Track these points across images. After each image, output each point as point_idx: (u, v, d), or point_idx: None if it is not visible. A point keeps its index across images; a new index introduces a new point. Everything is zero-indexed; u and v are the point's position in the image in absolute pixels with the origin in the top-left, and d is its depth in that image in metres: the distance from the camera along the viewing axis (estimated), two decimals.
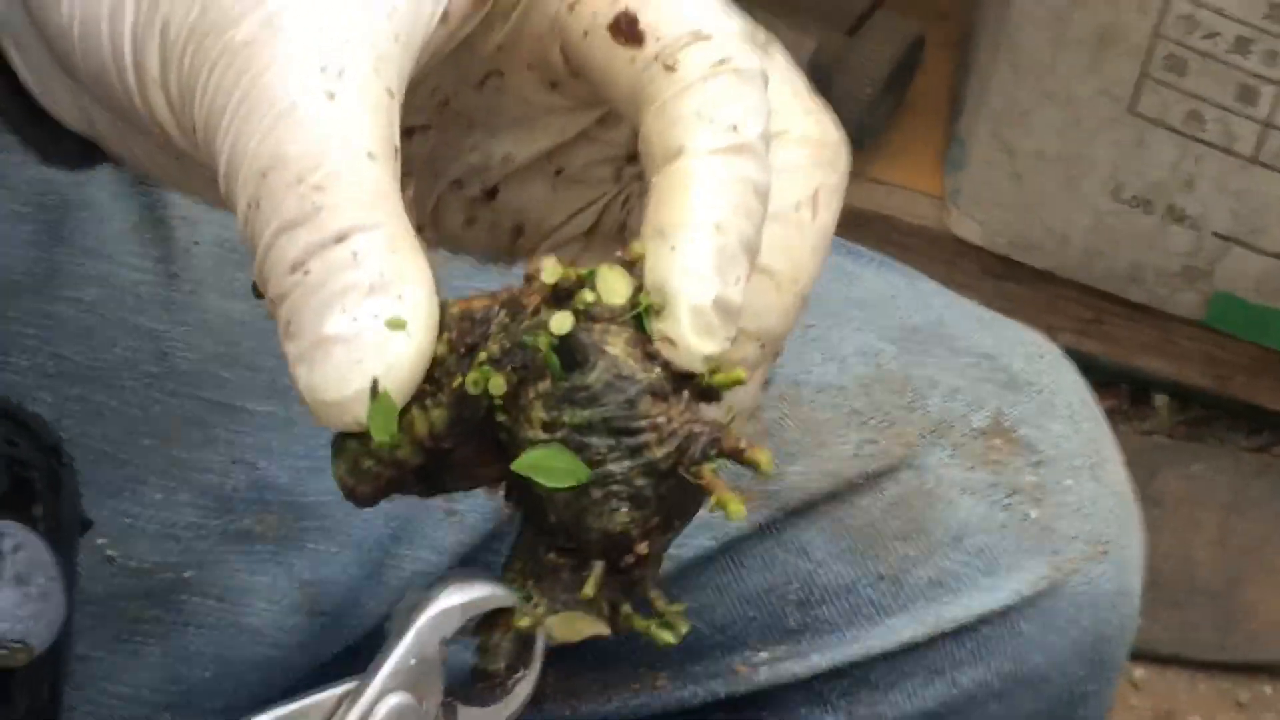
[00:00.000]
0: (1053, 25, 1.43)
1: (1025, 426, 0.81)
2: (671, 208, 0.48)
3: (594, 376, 0.48)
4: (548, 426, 0.48)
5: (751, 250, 0.49)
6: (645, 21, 0.49)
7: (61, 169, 0.57)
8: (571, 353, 0.48)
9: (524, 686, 0.52)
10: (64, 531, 0.60)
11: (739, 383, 0.49)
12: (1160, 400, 1.60)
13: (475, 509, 0.75)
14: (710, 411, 0.50)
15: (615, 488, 0.48)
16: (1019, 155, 1.49)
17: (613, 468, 0.48)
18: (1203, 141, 1.44)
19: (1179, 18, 1.39)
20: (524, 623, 0.51)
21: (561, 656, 0.80)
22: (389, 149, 0.47)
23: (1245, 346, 1.54)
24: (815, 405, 0.78)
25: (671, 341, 0.48)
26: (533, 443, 0.48)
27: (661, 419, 0.48)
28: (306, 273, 0.47)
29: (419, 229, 0.52)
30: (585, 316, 0.48)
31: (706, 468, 0.49)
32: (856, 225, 1.61)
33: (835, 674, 0.80)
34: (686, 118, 0.48)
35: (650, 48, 0.49)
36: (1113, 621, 0.83)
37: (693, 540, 0.78)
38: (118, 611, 0.71)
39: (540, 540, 0.50)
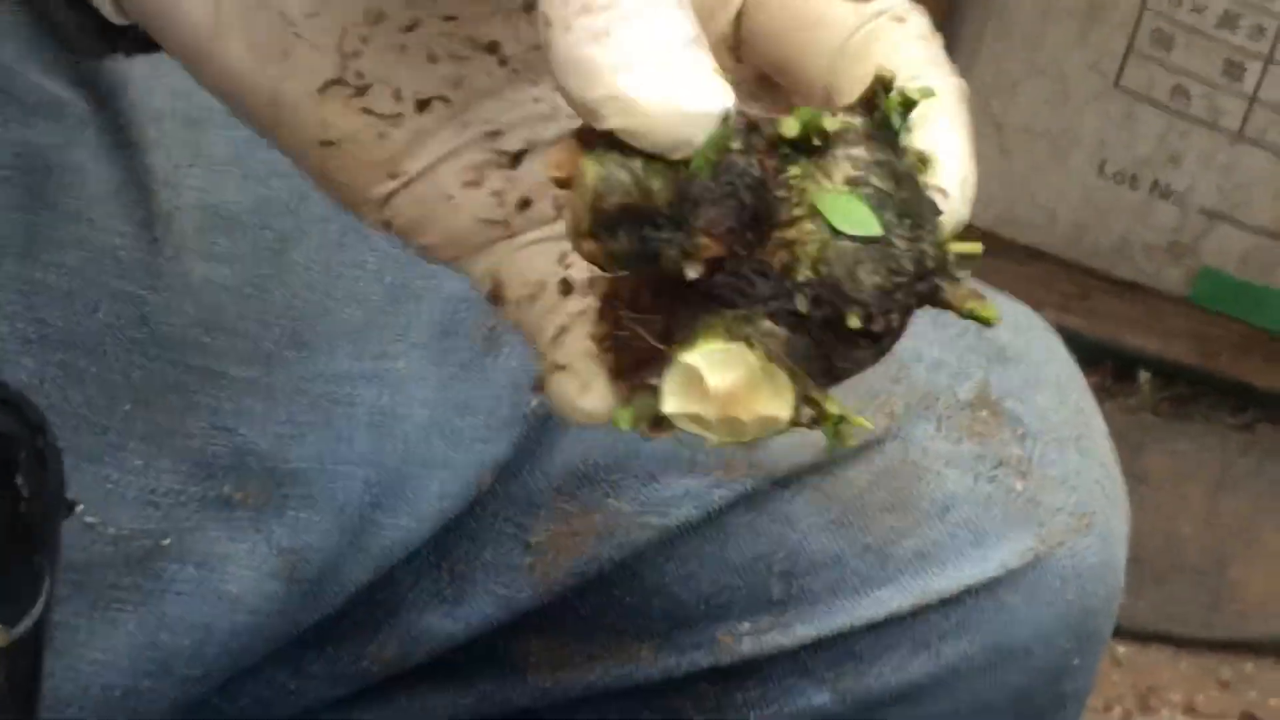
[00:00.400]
0: None
1: (1011, 399, 0.81)
2: (934, 102, 0.50)
3: (903, 163, 0.50)
4: (852, 182, 0.49)
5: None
6: None
7: (87, 56, 0.56)
8: (896, 129, 0.50)
9: None
10: (48, 511, 0.59)
11: (976, 255, 0.50)
12: (1145, 377, 1.60)
13: (453, 476, 0.75)
14: None
15: (897, 256, 0.49)
16: (1006, 130, 1.48)
17: (897, 242, 0.49)
18: (1189, 117, 1.44)
19: None
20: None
21: (544, 627, 0.80)
22: None
23: (1231, 323, 1.54)
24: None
25: (944, 193, 0.50)
26: (830, 192, 0.49)
27: (931, 233, 0.50)
28: None
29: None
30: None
31: (962, 288, 0.50)
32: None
33: (820, 645, 0.79)
34: (926, 58, 0.51)
35: (877, 4, 0.51)
36: (1098, 594, 0.83)
37: (677, 509, 0.77)
38: (96, 579, 0.71)
39: (754, 309, 0.49)
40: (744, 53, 0.54)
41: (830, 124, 0.49)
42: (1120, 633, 1.51)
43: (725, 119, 0.48)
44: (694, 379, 0.49)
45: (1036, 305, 1.55)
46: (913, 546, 0.79)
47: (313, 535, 0.73)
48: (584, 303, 0.53)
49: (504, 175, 0.55)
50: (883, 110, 0.50)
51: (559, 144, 0.50)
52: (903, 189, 0.49)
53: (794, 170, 0.49)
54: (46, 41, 0.69)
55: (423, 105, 0.54)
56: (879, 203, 0.49)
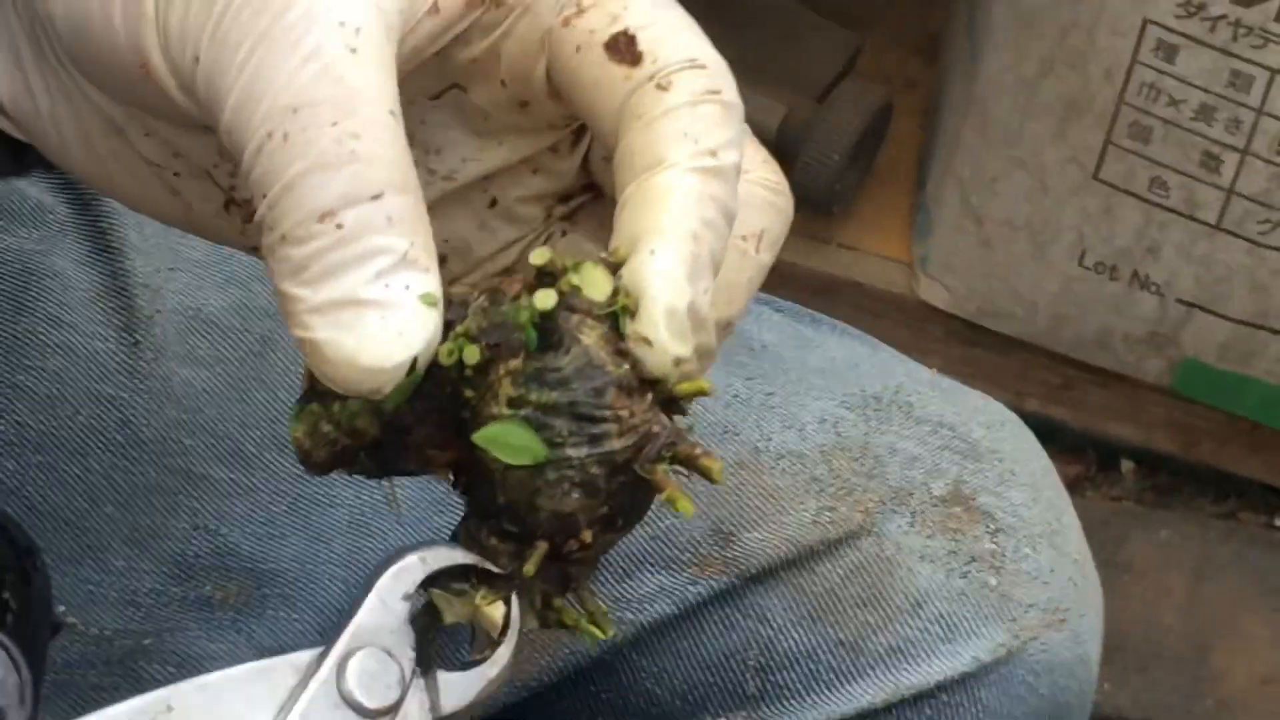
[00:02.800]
0: (1021, 93, 1.44)
1: (985, 495, 0.82)
2: (650, 215, 0.50)
3: (566, 360, 0.49)
4: (514, 403, 0.49)
5: (715, 266, 0.51)
6: (644, 43, 0.51)
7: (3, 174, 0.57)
8: (549, 333, 0.50)
9: (503, 653, 0.53)
10: (34, 635, 0.60)
11: (703, 393, 0.50)
12: (1128, 466, 1.61)
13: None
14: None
15: (570, 472, 0.49)
16: (987, 222, 1.50)
17: (571, 452, 0.49)
18: (1167, 208, 1.45)
19: (1143, 85, 1.41)
20: (449, 619, 0.52)
21: None
22: (398, 114, 0.48)
23: (1212, 412, 1.55)
24: (775, 472, 0.79)
25: (647, 341, 0.50)
26: (496, 418, 0.49)
27: (625, 413, 0.50)
28: (339, 225, 0.47)
29: None
30: (565, 306, 0.50)
31: (660, 466, 0.50)
32: (825, 290, 1.62)
33: None
34: (672, 135, 0.50)
35: (646, 68, 0.51)
36: (1071, 689, 0.84)
37: (652, 606, 0.78)
38: (77, 679, 0.71)
39: (483, 524, 0.51)
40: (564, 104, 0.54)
41: (470, 356, 0.49)
42: None
43: (411, 368, 0.48)
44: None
45: (1018, 396, 1.56)
46: (886, 641, 0.79)
47: (292, 635, 0.74)
48: None
49: None
50: (535, 317, 0.50)
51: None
52: (571, 388, 0.49)
53: (469, 394, 0.50)
54: None
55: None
56: (543, 417, 0.49)
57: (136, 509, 0.71)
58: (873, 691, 0.80)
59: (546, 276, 0.50)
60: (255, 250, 0.54)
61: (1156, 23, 1.38)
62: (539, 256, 0.50)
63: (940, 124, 1.53)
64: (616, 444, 0.50)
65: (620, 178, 0.51)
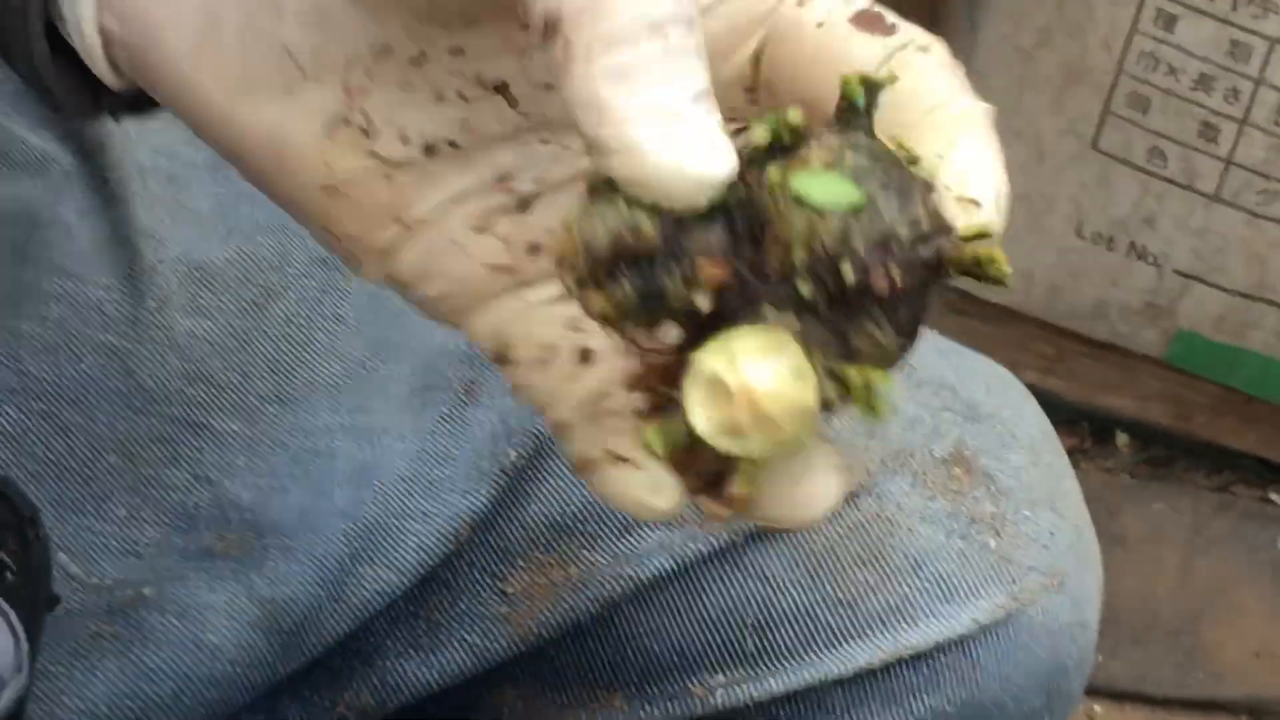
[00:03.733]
0: (1019, 63, 1.43)
1: (985, 457, 0.82)
2: (963, 128, 0.50)
3: (880, 144, 0.49)
4: (828, 165, 0.48)
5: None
6: (889, 18, 0.51)
7: (75, 117, 0.56)
8: (869, 110, 0.49)
9: None
10: (33, 603, 0.59)
11: (996, 261, 0.49)
12: (1122, 439, 1.61)
13: (433, 530, 0.76)
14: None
15: (883, 217, 0.48)
16: None
17: (883, 208, 0.48)
18: (1164, 179, 1.45)
19: (1142, 54, 1.40)
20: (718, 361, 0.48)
21: (519, 677, 0.81)
22: None
23: (1207, 385, 1.55)
24: None
25: (976, 203, 0.49)
26: (803, 178, 0.48)
27: (933, 220, 0.48)
28: (665, 37, 0.47)
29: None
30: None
31: (966, 247, 0.49)
32: None
33: (791, 699, 0.80)
34: (955, 85, 0.51)
35: (903, 35, 0.51)
36: (1070, 653, 0.84)
37: (650, 561, 0.78)
38: (78, 627, 0.71)
39: (765, 298, 0.49)
40: (761, 94, 0.54)
41: (795, 117, 0.49)
42: (1096, 692, 1.51)
43: (728, 184, 0.47)
44: (715, 386, 0.48)
45: (1013, 367, 1.55)
46: (885, 601, 0.79)
47: (292, 586, 0.74)
48: (607, 373, 0.52)
49: (512, 220, 0.54)
50: (848, 97, 0.49)
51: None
52: (881, 164, 0.48)
53: (772, 171, 0.48)
54: (33, 97, 0.69)
55: (429, 149, 0.53)
56: (858, 177, 0.48)
57: (138, 458, 0.71)
58: (871, 651, 0.80)
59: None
60: (328, 191, 0.53)
61: None
62: (847, 77, 0.49)
63: None
64: (923, 214, 0.48)
65: (902, 116, 0.50)
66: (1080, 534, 0.85)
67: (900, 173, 0.49)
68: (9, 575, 0.58)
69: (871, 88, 0.49)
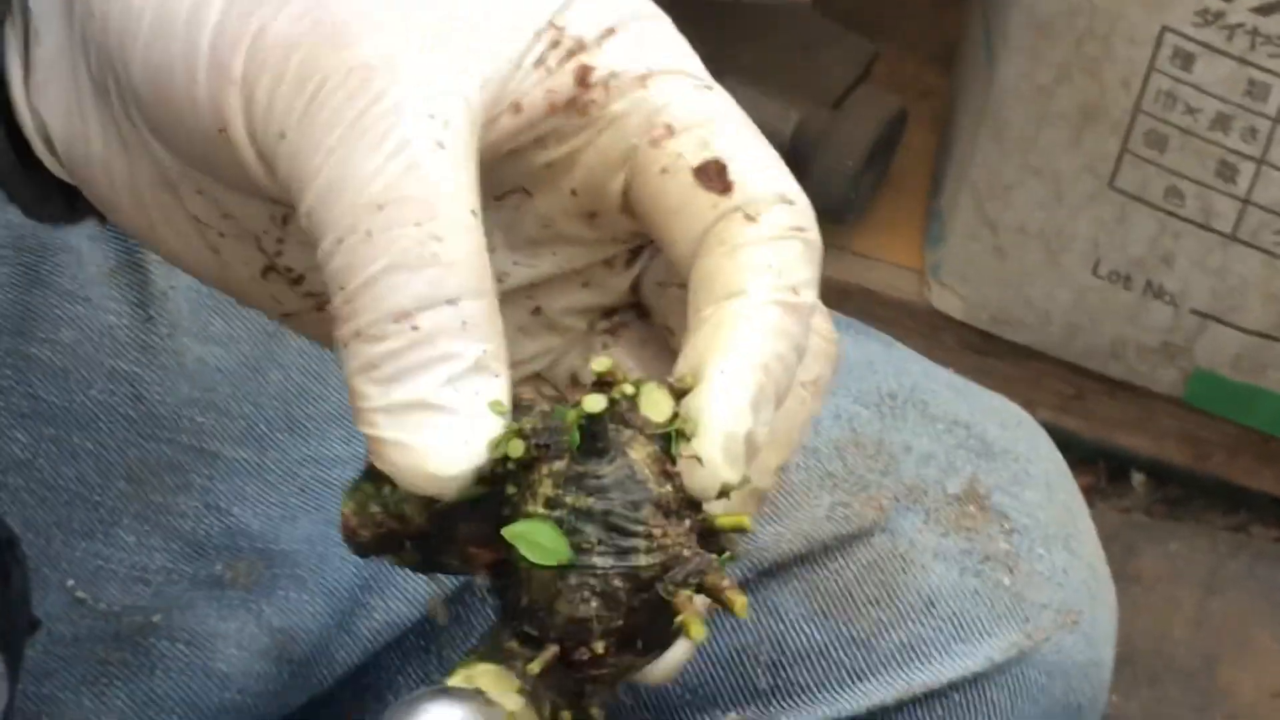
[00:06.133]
0: (1036, 100, 1.43)
1: (999, 494, 0.82)
2: (725, 339, 0.49)
3: (609, 469, 0.49)
4: (549, 504, 0.49)
5: (779, 401, 0.50)
6: (734, 173, 0.50)
7: (44, 223, 0.57)
8: (595, 438, 0.49)
9: None
10: (12, 630, 0.59)
11: (743, 529, 0.50)
12: (1138, 478, 1.61)
13: None
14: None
15: (592, 581, 0.49)
16: (1001, 230, 1.49)
17: (597, 560, 0.49)
18: (1182, 218, 1.45)
19: (1160, 93, 1.40)
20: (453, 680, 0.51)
21: None
22: (479, 213, 0.48)
23: (1224, 424, 1.55)
24: (790, 467, 0.78)
25: (698, 459, 0.49)
26: (530, 516, 0.49)
27: (658, 531, 0.49)
28: (415, 328, 0.47)
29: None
30: (620, 418, 0.49)
31: (684, 592, 0.49)
32: (838, 298, 1.62)
33: None
34: (757, 266, 0.50)
35: (735, 198, 0.50)
36: (1084, 692, 0.83)
37: None
38: (86, 653, 0.71)
39: (507, 626, 0.50)
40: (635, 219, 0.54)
41: (514, 449, 0.49)
42: None
43: (476, 476, 0.48)
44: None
45: (1030, 405, 1.55)
46: (898, 639, 0.79)
47: (303, 616, 0.74)
48: None
49: None
50: (581, 419, 0.49)
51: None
52: (609, 497, 0.49)
53: (511, 490, 0.49)
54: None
55: None
56: (575, 521, 0.49)
57: (148, 485, 0.71)
58: (884, 689, 0.79)
59: (604, 385, 0.50)
60: (285, 318, 0.55)
61: (1174, 30, 1.38)
62: (600, 364, 0.49)
63: (955, 131, 1.53)
64: (644, 560, 0.49)
65: (696, 300, 0.50)
66: (1094, 572, 0.84)
67: (633, 504, 0.49)
68: None
69: (593, 419, 0.49)
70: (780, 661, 0.79)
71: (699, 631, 0.49)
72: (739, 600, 0.50)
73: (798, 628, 0.79)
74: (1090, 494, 1.60)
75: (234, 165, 0.50)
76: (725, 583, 0.50)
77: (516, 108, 0.50)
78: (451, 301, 0.47)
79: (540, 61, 0.50)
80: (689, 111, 0.51)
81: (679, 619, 0.49)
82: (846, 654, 0.79)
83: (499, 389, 0.48)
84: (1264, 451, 1.55)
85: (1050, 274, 1.49)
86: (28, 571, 0.61)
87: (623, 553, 0.49)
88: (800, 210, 0.51)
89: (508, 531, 0.49)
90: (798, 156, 1.49)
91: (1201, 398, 1.53)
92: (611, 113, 0.51)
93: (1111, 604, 0.85)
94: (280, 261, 0.53)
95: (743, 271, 0.50)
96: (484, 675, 0.50)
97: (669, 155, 0.51)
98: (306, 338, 0.56)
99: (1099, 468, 1.59)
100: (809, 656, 0.79)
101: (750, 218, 0.50)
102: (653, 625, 0.50)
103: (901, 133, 1.57)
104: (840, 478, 0.79)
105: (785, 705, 0.80)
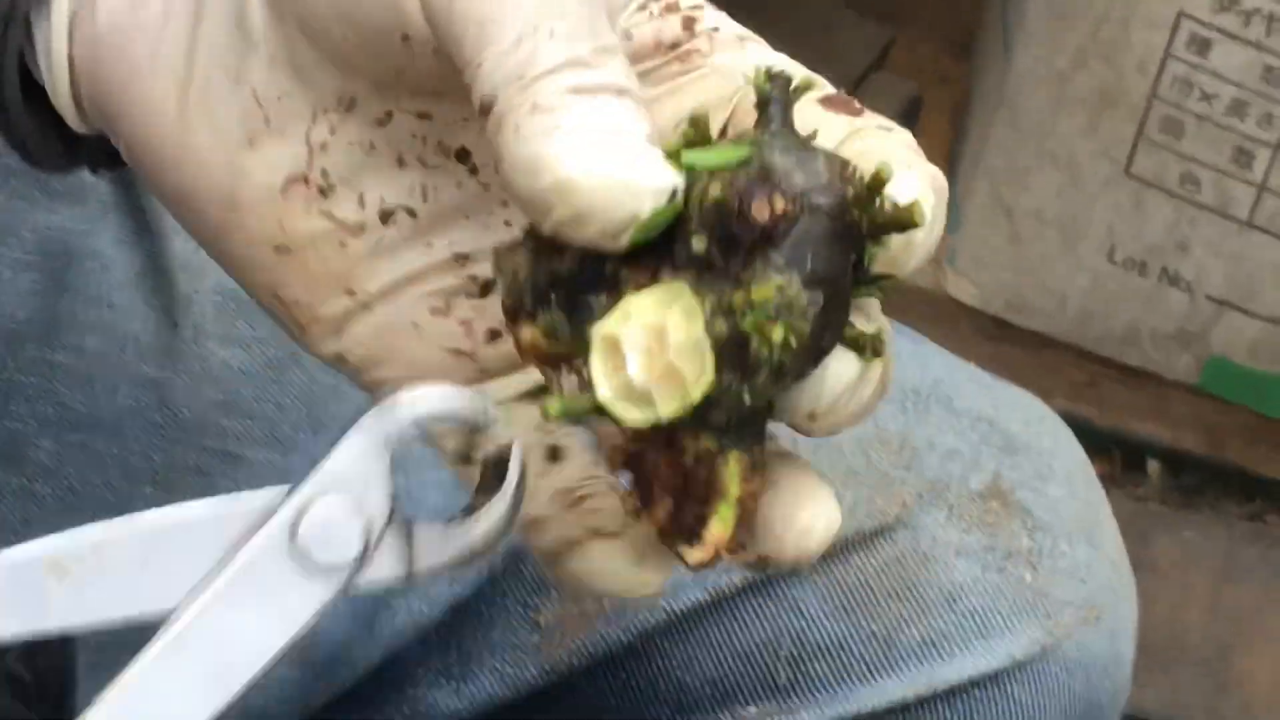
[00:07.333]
0: (1053, 86, 1.43)
1: (1022, 490, 0.82)
2: (907, 170, 0.49)
3: (793, 132, 0.48)
4: (733, 142, 0.48)
5: (936, 245, 0.50)
6: (858, 101, 0.51)
7: (41, 168, 0.56)
8: (782, 86, 0.49)
9: (495, 509, 0.48)
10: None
11: (912, 222, 0.48)
12: (1154, 466, 1.60)
13: None
14: None
15: (765, 161, 0.47)
16: (1016, 216, 1.49)
17: (770, 156, 0.48)
18: (1198, 204, 1.45)
19: (1176, 79, 1.40)
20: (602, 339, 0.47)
21: (550, 707, 0.80)
22: None
23: (1240, 412, 1.55)
24: (812, 463, 0.78)
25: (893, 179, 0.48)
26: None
27: (835, 174, 0.48)
28: (594, 97, 0.47)
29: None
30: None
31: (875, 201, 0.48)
32: None
33: None
34: (909, 152, 0.49)
35: (868, 120, 0.50)
36: (1105, 688, 0.83)
37: (685, 593, 0.78)
38: (111, 659, 0.71)
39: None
40: None
41: (713, 189, 0.47)
42: None
43: (671, 197, 0.47)
44: (614, 352, 0.47)
45: (1045, 393, 1.55)
46: (919, 635, 0.79)
47: (325, 618, 0.74)
48: (577, 470, 0.52)
49: (473, 304, 0.53)
50: (757, 91, 0.49)
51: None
52: (786, 140, 0.48)
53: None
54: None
55: (386, 216, 0.53)
56: (757, 144, 0.48)
57: (174, 490, 0.71)
58: (905, 685, 0.79)
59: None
60: (278, 251, 0.53)
61: (1191, 16, 1.38)
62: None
63: (971, 118, 1.53)
64: (824, 167, 0.48)
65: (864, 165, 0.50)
66: (1116, 568, 0.84)
67: (805, 145, 0.48)
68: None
69: (777, 78, 0.49)
70: (800, 656, 0.79)
71: (923, 211, 0.47)
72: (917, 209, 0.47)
73: (818, 623, 0.79)
74: (1105, 482, 1.59)
75: None
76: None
77: (627, 35, 0.51)
78: (621, 93, 0.48)
79: (644, 7, 0.52)
80: (793, 67, 0.51)
81: (896, 208, 0.47)
82: (867, 649, 0.79)
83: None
84: None
85: (1066, 261, 1.49)
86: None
87: (801, 159, 0.47)
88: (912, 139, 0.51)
89: (692, 154, 0.48)
90: None
91: (1217, 385, 1.53)
92: (715, 62, 0.51)
93: (1133, 600, 0.85)
94: (318, 162, 0.52)
95: (898, 154, 0.49)
96: (640, 303, 0.48)
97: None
98: (281, 306, 0.54)
99: (1114, 456, 1.59)
100: (829, 651, 0.79)
101: (885, 129, 0.50)
102: (831, 243, 0.47)
103: (917, 119, 1.57)
104: (863, 474, 0.79)
105: (805, 700, 0.80)
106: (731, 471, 0.49)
